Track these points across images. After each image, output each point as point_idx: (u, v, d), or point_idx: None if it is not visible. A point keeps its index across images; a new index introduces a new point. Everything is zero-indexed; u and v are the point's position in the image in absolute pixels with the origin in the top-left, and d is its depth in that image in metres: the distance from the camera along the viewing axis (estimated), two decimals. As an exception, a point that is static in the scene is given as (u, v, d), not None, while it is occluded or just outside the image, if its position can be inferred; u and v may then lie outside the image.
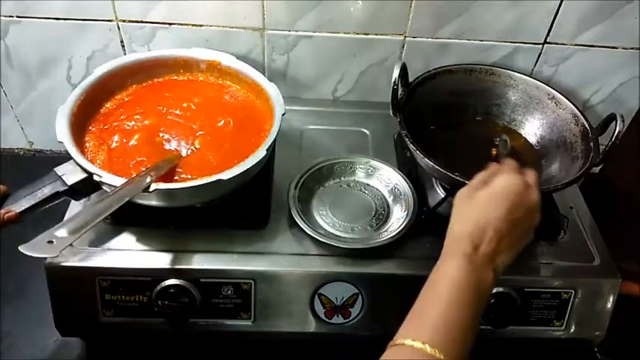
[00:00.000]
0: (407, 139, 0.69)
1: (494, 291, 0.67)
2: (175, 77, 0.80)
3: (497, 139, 0.71)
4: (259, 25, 0.82)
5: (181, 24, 0.82)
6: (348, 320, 0.68)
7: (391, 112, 0.73)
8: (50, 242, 0.52)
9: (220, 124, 0.73)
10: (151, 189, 0.59)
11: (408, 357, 0.45)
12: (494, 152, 0.71)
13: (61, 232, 0.53)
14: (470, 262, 0.50)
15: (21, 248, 0.51)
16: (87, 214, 0.56)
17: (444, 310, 0.47)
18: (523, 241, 0.54)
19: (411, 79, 0.77)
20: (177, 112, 0.75)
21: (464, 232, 0.52)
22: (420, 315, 0.49)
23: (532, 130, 0.81)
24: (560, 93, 0.77)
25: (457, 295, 0.48)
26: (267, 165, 0.71)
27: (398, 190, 0.74)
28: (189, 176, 0.65)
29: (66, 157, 0.63)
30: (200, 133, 0.72)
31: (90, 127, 0.71)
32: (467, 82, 0.81)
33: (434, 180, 0.78)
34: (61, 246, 0.52)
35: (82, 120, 0.70)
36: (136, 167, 0.66)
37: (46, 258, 0.63)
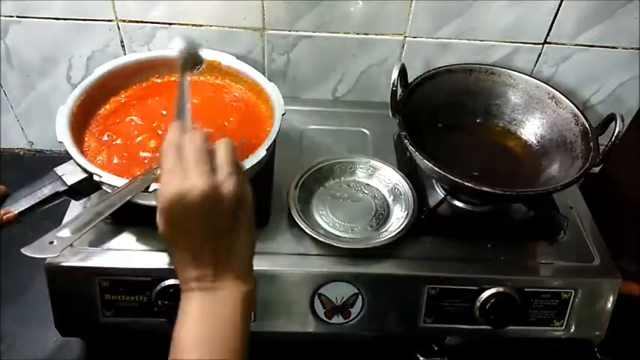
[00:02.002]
0: (406, 141, 0.69)
1: (494, 291, 0.67)
2: (175, 77, 0.80)
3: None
4: (259, 25, 0.82)
5: (181, 24, 0.82)
6: (348, 320, 0.68)
7: (390, 113, 0.73)
8: (51, 243, 0.52)
9: (220, 124, 0.73)
10: (150, 189, 0.59)
11: None
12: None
13: (64, 233, 0.53)
14: (204, 291, 0.46)
15: (23, 250, 0.51)
16: (89, 213, 0.56)
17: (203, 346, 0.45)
18: (244, 234, 0.48)
19: (411, 80, 0.77)
20: (177, 112, 0.75)
21: (180, 264, 0.47)
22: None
23: (532, 129, 0.81)
24: (560, 92, 0.78)
25: (209, 328, 0.46)
26: (267, 165, 0.71)
27: (398, 190, 0.74)
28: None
29: (66, 157, 0.63)
30: (200, 133, 0.72)
31: (90, 127, 0.71)
32: (467, 82, 0.81)
33: (434, 180, 0.78)
34: (62, 246, 0.52)
35: (82, 120, 0.70)
36: (137, 167, 0.66)
37: (46, 258, 0.63)
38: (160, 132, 0.71)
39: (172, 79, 0.79)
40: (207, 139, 0.48)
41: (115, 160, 0.67)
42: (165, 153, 0.47)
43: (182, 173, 0.44)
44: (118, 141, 0.69)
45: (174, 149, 0.46)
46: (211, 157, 0.46)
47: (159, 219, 0.45)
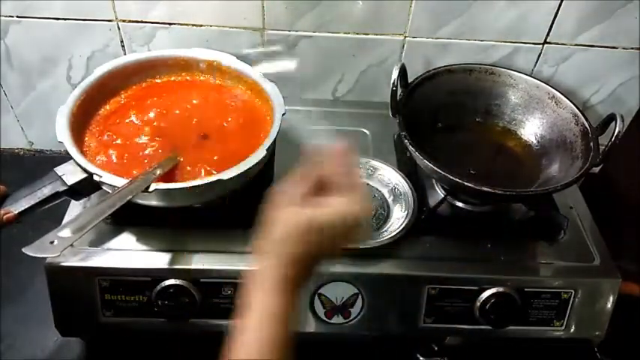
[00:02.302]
0: (406, 141, 0.69)
1: (494, 291, 0.67)
2: (175, 77, 0.80)
3: None
4: (259, 25, 0.82)
5: (181, 24, 0.82)
6: (348, 320, 0.68)
7: (390, 113, 0.73)
8: (52, 243, 0.52)
9: (220, 124, 0.73)
10: (150, 189, 0.59)
11: None
12: None
13: (65, 232, 0.54)
14: (287, 281, 0.46)
15: (24, 250, 0.51)
16: (89, 213, 0.57)
17: (269, 344, 0.45)
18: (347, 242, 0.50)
19: (411, 79, 0.77)
20: (177, 112, 0.75)
21: (284, 259, 0.46)
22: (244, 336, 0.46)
23: (532, 129, 0.81)
24: (560, 92, 0.78)
25: (281, 325, 0.46)
26: (267, 165, 0.71)
27: (398, 190, 0.74)
28: (189, 176, 0.65)
29: (66, 157, 0.63)
30: (200, 133, 0.72)
31: (90, 127, 0.71)
32: (467, 82, 0.81)
33: (434, 180, 0.78)
34: (62, 245, 0.53)
35: (82, 120, 0.70)
36: (137, 167, 0.66)
37: (46, 258, 0.63)
38: (160, 135, 0.71)
39: (172, 79, 0.80)
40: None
41: (115, 160, 0.67)
42: (354, 171, 0.51)
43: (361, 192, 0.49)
44: (118, 141, 0.69)
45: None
46: None
47: (309, 223, 0.46)
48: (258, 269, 0.47)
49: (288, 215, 0.47)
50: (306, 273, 0.47)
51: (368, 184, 0.76)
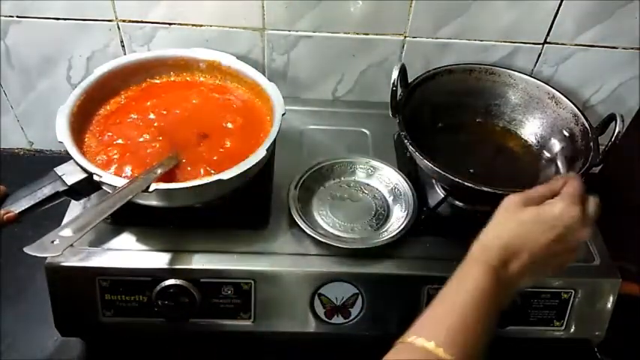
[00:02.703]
0: (406, 141, 0.69)
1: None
2: (175, 77, 0.80)
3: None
4: (259, 25, 0.82)
5: (181, 24, 0.82)
6: (348, 320, 0.68)
7: (390, 113, 0.73)
8: (53, 242, 0.52)
9: (220, 124, 0.73)
10: (150, 189, 0.59)
11: (419, 357, 0.44)
12: None
13: (66, 232, 0.54)
14: (496, 275, 0.49)
15: (26, 249, 0.51)
16: (90, 213, 0.57)
17: (462, 317, 0.47)
18: (551, 272, 0.53)
19: (410, 80, 0.77)
20: (177, 112, 0.75)
21: (498, 243, 0.50)
22: (437, 317, 0.48)
23: (532, 129, 0.81)
24: (560, 92, 0.78)
25: (477, 305, 0.47)
26: (267, 165, 0.71)
27: (398, 190, 0.74)
28: (189, 176, 0.65)
29: (66, 157, 0.63)
30: (200, 133, 0.72)
31: (90, 127, 0.71)
32: (467, 82, 0.81)
33: (434, 180, 0.78)
34: (63, 245, 0.53)
35: (82, 120, 0.70)
36: (137, 167, 0.66)
37: (46, 258, 0.63)
38: (160, 135, 0.71)
39: (172, 79, 0.80)
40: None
41: (115, 160, 0.67)
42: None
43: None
44: (119, 141, 0.69)
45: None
46: None
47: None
48: (475, 259, 0.51)
49: (518, 213, 0.50)
50: (524, 271, 0.49)
51: (368, 184, 0.76)
